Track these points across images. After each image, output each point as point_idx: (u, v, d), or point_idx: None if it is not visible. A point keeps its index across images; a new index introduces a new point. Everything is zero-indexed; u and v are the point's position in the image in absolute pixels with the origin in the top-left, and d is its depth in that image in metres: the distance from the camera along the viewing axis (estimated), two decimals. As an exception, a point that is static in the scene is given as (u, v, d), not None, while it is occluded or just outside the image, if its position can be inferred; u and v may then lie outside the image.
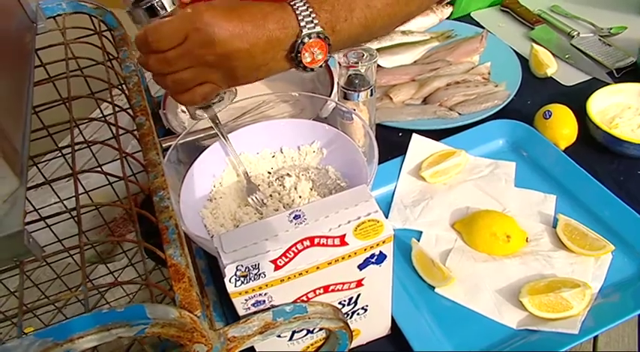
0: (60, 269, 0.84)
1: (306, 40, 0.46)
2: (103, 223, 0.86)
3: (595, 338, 1.24)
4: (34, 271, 0.89)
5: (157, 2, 0.46)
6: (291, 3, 0.47)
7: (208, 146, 0.61)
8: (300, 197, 0.59)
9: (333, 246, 0.39)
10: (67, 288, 0.88)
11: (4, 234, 0.34)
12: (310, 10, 0.46)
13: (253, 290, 0.38)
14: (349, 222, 0.40)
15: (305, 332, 0.45)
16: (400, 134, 0.75)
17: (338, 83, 0.62)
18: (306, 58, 0.47)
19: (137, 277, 0.91)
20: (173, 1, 0.47)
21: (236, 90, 0.54)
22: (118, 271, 0.94)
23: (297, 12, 0.46)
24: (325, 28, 0.47)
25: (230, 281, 0.38)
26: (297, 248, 0.39)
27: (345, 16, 0.48)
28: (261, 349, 0.45)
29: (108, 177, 0.64)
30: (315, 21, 0.46)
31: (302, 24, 0.46)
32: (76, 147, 0.47)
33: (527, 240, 0.59)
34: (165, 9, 0.47)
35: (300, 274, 0.39)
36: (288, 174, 0.61)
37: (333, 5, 0.47)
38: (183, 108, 0.76)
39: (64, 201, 0.70)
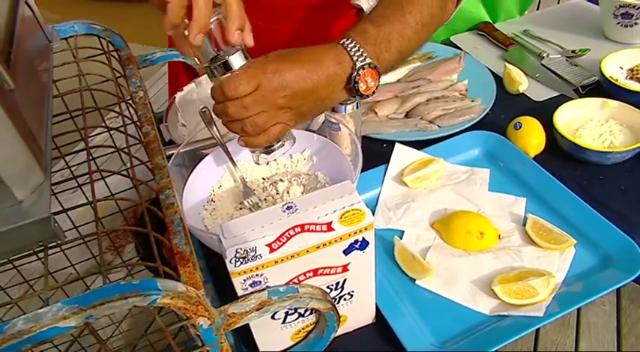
0: (61, 280, 0.88)
1: (360, 71, 0.54)
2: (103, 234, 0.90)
3: (577, 343, 1.28)
4: (37, 281, 0.92)
5: (230, 59, 0.52)
6: (340, 42, 0.55)
7: (208, 154, 0.66)
8: (292, 200, 0.64)
9: (321, 231, 0.44)
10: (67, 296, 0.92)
11: (33, 219, 0.39)
12: (358, 46, 0.54)
13: (251, 270, 0.43)
14: (335, 211, 0.45)
15: (297, 315, 0.50)
16: (384, 145, 0.81)
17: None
18: (362, 87, 0.55)
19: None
20: (245, 58, 0.53)
21: (295, 137, 0.61)
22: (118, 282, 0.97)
23: (348, 49, 0.54)
24: (372, 59, 0.55)
25: (230, 262, 0.43)
26: (289, 233, 0.44)
27: (386, 47, 0.56)
28: (258, 331, 0.50)
29: (110, 188, 0.69)
30: (365, 54, 0.54)
31: (354, 58, 0.54)
32: (83, 158, 0.52)
33: (499, 237, 0.64)
34: (238, 65, 0.53)
35: (292, 256, 0.44)
36: (281, 180, 0.67)
37: (375, 39, 0.56)
38: (184, 122, 0.82)
39: (68, 212, 0.75)
